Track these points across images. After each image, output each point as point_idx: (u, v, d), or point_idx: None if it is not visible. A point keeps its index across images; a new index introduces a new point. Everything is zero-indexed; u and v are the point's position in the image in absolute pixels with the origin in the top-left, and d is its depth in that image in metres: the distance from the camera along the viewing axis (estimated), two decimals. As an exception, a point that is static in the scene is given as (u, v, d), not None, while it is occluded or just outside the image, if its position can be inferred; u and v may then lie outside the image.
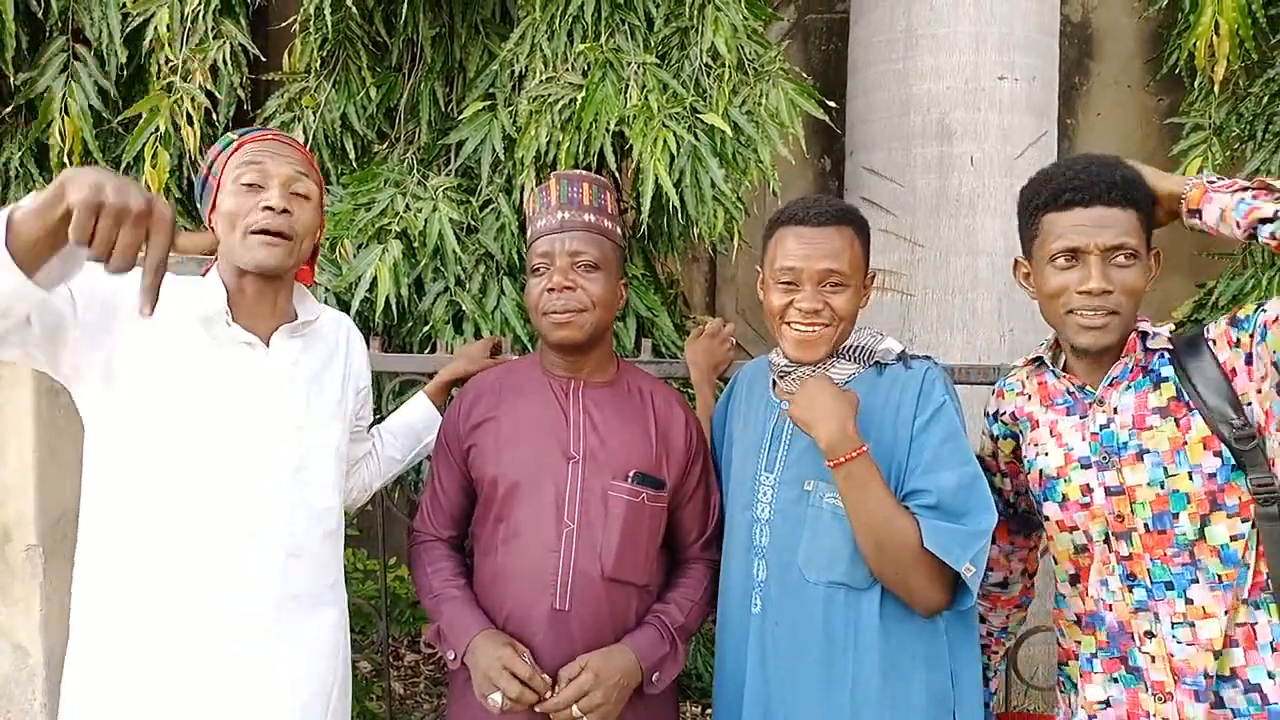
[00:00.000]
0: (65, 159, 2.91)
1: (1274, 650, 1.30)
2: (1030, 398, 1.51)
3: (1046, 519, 1.47)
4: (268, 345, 1.44)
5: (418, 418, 1.80)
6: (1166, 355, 1.36)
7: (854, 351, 1.53)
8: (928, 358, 1.54)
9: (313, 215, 1.45)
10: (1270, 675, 1.29)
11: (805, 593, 1.45)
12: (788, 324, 1.50)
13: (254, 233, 1.38)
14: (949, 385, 1.49)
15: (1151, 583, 1.35)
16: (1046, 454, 1.45)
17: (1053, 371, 1.49)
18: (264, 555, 1.40)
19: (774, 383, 1.61)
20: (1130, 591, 1.37)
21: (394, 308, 2.58)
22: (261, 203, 1.38)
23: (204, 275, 1.48)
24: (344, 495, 1.69)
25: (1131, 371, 1.39)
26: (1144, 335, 1.39)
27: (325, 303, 2.59)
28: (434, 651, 3.46)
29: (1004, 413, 1.55)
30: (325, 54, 2.90)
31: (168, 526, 1.34)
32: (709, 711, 3.10)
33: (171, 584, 1.34)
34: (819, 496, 1.46)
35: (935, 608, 1.41)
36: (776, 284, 1.51)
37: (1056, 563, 1.49)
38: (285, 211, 1.40)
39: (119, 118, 2.98)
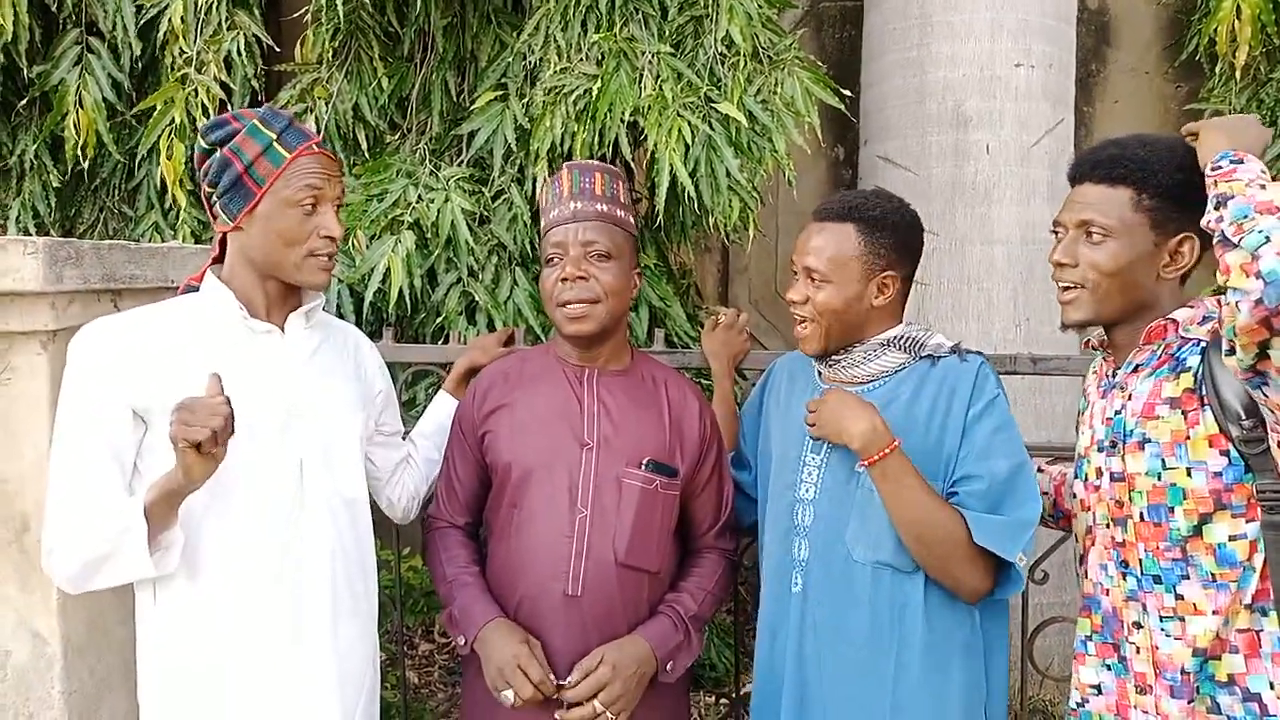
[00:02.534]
0: (79, 151, 2.91)
1: (1275, 660, 1.25)
2: (1095, 376, 1.52)
3: (1074, 497, 1.48)
4: (283, 331, 1.47)
5: (445, 414, 1.81)
6: (1200, 345, 1.31)
7: (903, 342, 1.56)
8: (979, 353, 1.57)
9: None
10: (1271, 685, 1.24)
11: (852, 572, 1.48)
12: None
13: (313, 256, 1.43)
14: (999, 381, 1.54)
15: (1142, 573, 1.33)
16: (1083, 434, 1.47)
17: (1103, 354, 1.49)
18: (312, 551, 1.43)
19: (819, 372, 1.64)
20: (1124, 579, 1.35)
21: (407, 299, 2.58)
22: (323, 231, 1.42)
23: (185, 289, 1.49)
24: (394, 503, 1.74)
25: (1158, 359, 1.35)
26: (1176, 323, 1.34)
27: (339, 294, 2.61)
28: (448, 641, 3.47)
29: (1084, 389, 1.57)
30: (337, 44, 2.89)
31: (222, 526, 1.37)
32: (723, 701, 3.10)
33: (232, 585, 1.38)
34: (869, 479, 1.48)
35: (981, 594, 1.45)
36: (791, 275, 1.60)
37: (1076, 541, 1.49)
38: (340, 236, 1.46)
39: (133, 110, 2.98)
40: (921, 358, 1.55)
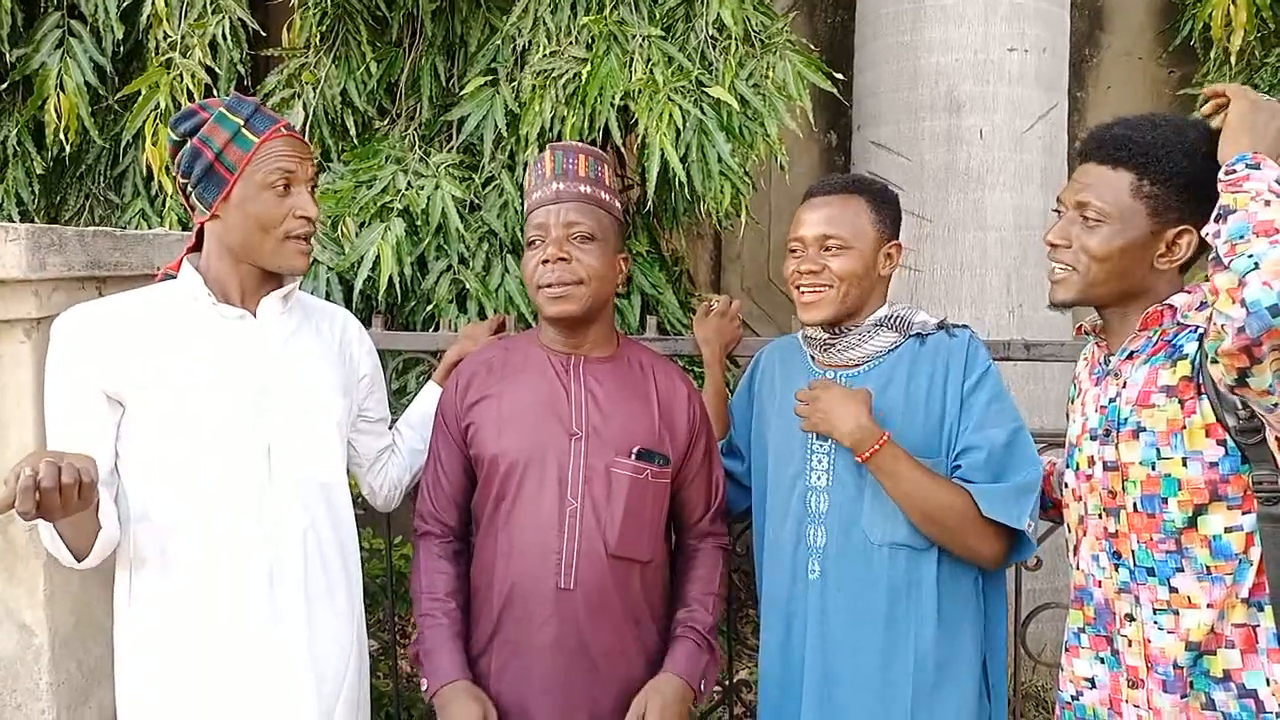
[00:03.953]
0: (61, 136, 2.87)
1: (1271, 656, 1.23)
2: (1086, 363, 1.50)
3: (1065, 486, 1.46)
4: (255, 315, 1.48)
5: (432, 404, 1.79)
6: (1197, 331, 1.28)
7: (894, 321, 1.59)
8: (965, 327, 1.61)
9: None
10: (1268, 681, 1.22)
11: (871, 555, 1.51)
12: (796, 288, 1.59)
13: (291, 238, 1.44)
14: (988, 352, 1.59)
15: (1134, 565, 1.31)
16: (1074, 422, 1.45)
17: (1094, 340, 1.46)
18: (282, 535, 1.43)
19: (812, 357, 1.66)
20: (1117, 570, 1.33)
21: (397, 287, 2.56)
22: (298, 211, 1.43)
23: (164, 277, 1.51)
24: (375, 492, 1.74)
25: (1154, 345, 1.32)
26: (1174, 309, 1.31)
27: (328, 282, 2.59)
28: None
29: (1075, 376, 1.55)
30: (325, 29, 2.86)
31: (192, 511, 1.39)
32: (715, 688, 3.11)
33: (202, 570, 1.39)
34: None
35: (998, 559, 1.51)
36: (788, 253, 1.60)
37: (1068, 530, 1.48)
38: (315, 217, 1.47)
39: (117, 95, 2.95)
40: (910, 336, 1.59)
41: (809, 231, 1.56)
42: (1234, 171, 1.19)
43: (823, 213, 1.56)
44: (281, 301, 1.50)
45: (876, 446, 1.45)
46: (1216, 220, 1.17)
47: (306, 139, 2.78)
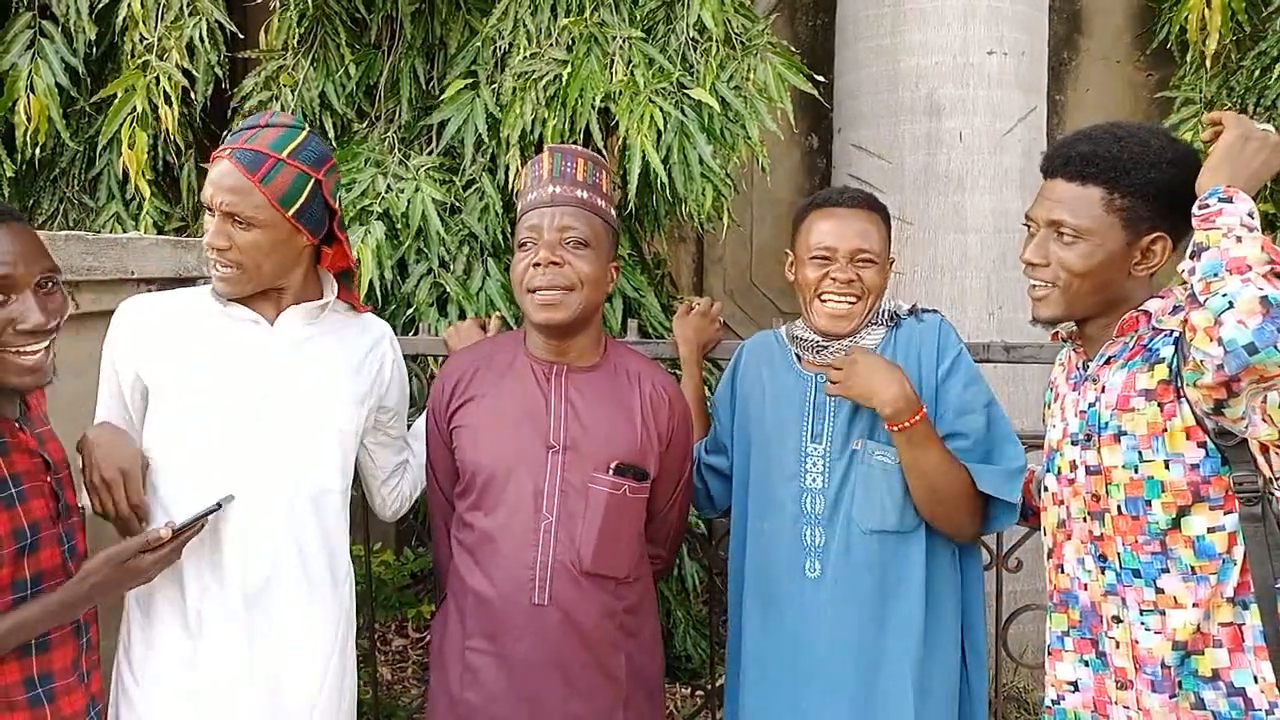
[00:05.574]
0: (30, 139, 2.83)
1: (1258, 653, 1.24)
2: (1063, 369, 1.51)
3: (1045, 490, 1.46)
4: (273, 324, 1.48)
5: None
6: (1173, 335, 1.30)
7: (880, 316, 1.64)
8: (935, 311, 1.66)
9: (256, 237, 1.41)
10: (1256, 679, 1.23)
11: (863, 545, 1.55)
12: (820, 297, 1.60)
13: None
14: (958, 335, 1.64)
15: (1121, 567, 1.31)
16: (1054, 427, 1.45)
17: (1071, 345, 1.47)
18: (264, 538, 1.43)
19: (797, 356, 1.67)
20: (1103, 573, 1.34)
21: (377, 290, 2.54)
22: (205, 237, 1.43)
23: None
24: (386, 502, 1.74)
25: (1130, 350, 1.34)
26: (1149, 314, 1.33)
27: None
28: (421, 637, 3.44)
29: (1051, 381, 1.56)
30: (303, 31, 2.83)
31: (180, 509, 1.39)
32: (699, 692, 3.10)
33: (178, 570, 1.40)
34: (868, 454, 1.57)
35: (977, 535, 1.61)
36: (810, 260, 1.61)
37: (1045, 534, 1.48)
38: (222, 248, 1.41)
39: (92, 99, 2.91)
40: (889, 326, 1.63)
41: (844, 244, 1.58)
42: (1207, 206, 1.21)
43: (855, 226, 1.59)
44: (309, 312, 1.49)
45: (916, 417, 1.48)
46: (1191, 257, 1.19)
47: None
